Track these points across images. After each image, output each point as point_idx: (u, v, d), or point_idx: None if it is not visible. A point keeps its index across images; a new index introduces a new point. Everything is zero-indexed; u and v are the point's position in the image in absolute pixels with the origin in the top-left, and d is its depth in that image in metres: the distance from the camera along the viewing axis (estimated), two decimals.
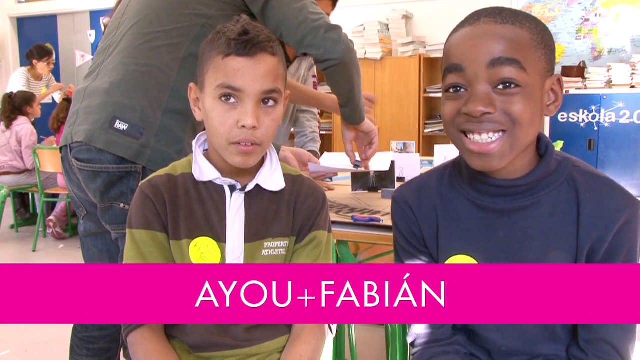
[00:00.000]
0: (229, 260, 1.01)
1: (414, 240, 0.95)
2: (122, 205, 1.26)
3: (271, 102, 0.97)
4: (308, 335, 1.00)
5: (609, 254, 0.84)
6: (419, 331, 0.96)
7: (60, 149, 1.32)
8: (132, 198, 1.23)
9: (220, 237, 1.01)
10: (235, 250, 1.01)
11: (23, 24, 7.32)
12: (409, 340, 0.98)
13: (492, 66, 0.78)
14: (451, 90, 0.83)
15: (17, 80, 5.23)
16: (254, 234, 1.02)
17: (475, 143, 0.80)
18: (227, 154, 0.97)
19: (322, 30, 1.34)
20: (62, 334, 2.60)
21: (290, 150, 1.61)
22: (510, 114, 0.78)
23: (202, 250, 1.00)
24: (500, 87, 0.78)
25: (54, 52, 5.59)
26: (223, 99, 0.95)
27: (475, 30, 0.81)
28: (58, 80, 6.29)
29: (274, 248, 1.03)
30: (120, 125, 1.23)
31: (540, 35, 0.81)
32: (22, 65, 7.25)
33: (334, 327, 1.08)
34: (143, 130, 1.24)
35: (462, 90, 0.81)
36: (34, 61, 5.29)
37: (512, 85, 0.78)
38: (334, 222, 1.42)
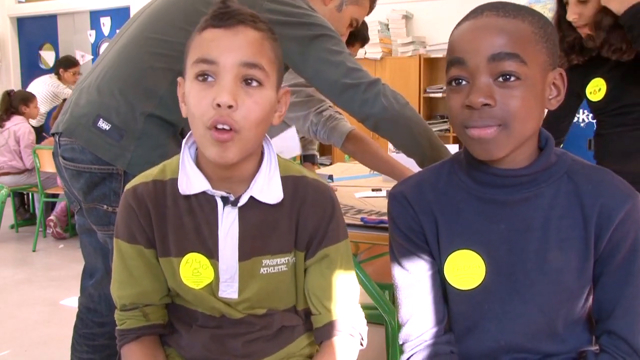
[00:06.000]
0: (222, 280, 0.94)
1: (413, 235, 0.94)
2: (105, 207, 1.25)
3: (254, 83, 0.85)
4: (333, 346, 0.97)
5: (614, 243, 0.85)
6: (410, 331, 0.95)
7: (53, 135, 1.32)
8: (115, 200, 1.23)
9: (212, 253, 0.93)
10: (228, 270, 0.93)
11: (23, 24, 7.31)
12: (400, 341, 0.98)
13: (492, 60, 0.80)
14: (454, 83, 0.84)
15: (45, 81, 5.22)
16: (249, 251, 0.93)
17: (475, 130, 0.82)
18: (204, 145, 0.86)
19: (360, 90, 1.33)
20: (62, 334, 2.60)
21: None
22: (508, 108, 0.80)
23: (194, 267, 0.94)
24: (501, 79, 0.80)
25: (79, 64, 5.62)
26: (200, 78, 0.85)
27: (477, 24, 0.83)
28: None
29: (274, 266, 0.95)
30: (103, 125, 1.22)
31: (542, 29, 0.82)
32: (22, 65, 7.28)
33: (365, 340, 1.03)
34: (124, 133, 1.22)
35: (464, 82, 0.83)
36: (61, 70, 5.31)
37: (513, 78, 0.80)
38: None
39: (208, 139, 0.84)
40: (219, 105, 0.82)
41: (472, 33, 0.82)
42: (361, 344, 1.02)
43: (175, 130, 1.28)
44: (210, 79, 0.84)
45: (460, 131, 0.86)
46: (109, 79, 1.26)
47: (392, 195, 0.97)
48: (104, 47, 6.77)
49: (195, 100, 0.85)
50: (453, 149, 2.16)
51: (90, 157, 1.23)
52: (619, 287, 0.86)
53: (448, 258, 0.91)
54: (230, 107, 0.82)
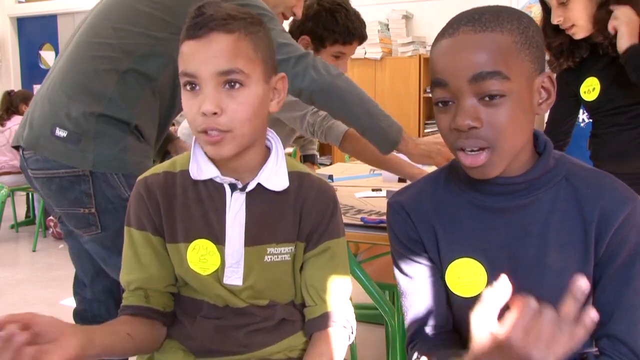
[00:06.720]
0: (228, 265, 0.97)
1: (412, 244, 0.94)
2: (81, 210, 1.26)
3: (237, 85, 0.89)
4: (329, 337, 0.99)
5: (614, 246, 0.84)
6: (415, 335, 0.95)
7: (16, 148, 1.33)
8: (88, 201, 1.25)
9: (219, 239, 0.97)
10: (234, 254, 0.97)
11: (23, 24, 7.32)
12: (406, 345, 0.97)
13: (474, 81, 0.78)
14: (440, 105, 0.84)
15: None
16: (255, 237, 0.97)
17: (467, 157, 0.82)
18: (201, 144, 0.93)
19: (290, 64, 1.33)
20: None
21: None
22: (496, 128, 0.79)
23: (201, 253, 0.97)
24: (486, 98, 0.79)
25: None
26: (188, 87, 0.90)
27: (454, 42, 0.80)
28: None
29: (278, 254, 0.99)
30: (60, 133, 1.23)
31: (523, 34, 0.80)
32: (22, 65, 7.29)
33: (354, 334, 1.04)
34: (80, 136, 1.24)
35: (450, 103, 0.82)
36: None
37: (497, 96, 0.78)
38: None
39: (202, 140, 0.91)
40: (204, 114, 0.87)
41: (450, 53, 0.80)
42: (349, 337, 1.03)
43: (129, 127, 1.29)
44: (196, 87, 0.90)
45: (454, 152, 0.86)
46: (58, 88, 1.28)
47: (390, 206, 0.98)
48: None
49: (186, 108, 0.92)
50: None
51: (55, 163, 1.25)
52: (619, 291, 0.85)
53: (449, 267, 0.91)
54: (215, 113, 0.87)
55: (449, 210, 0.92)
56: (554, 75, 0.84)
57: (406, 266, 0.96)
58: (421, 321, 0.95)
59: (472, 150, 0.81)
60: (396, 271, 0.98)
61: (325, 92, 1.35)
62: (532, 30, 0.81)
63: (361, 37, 1.92)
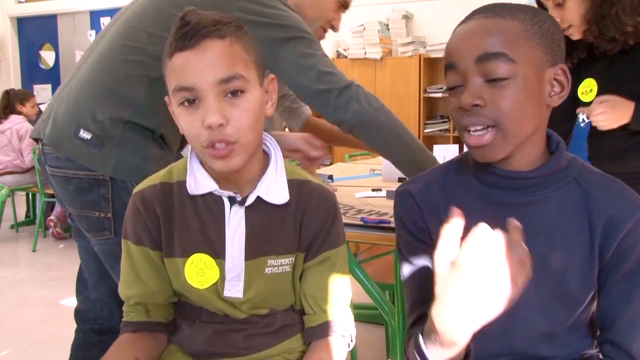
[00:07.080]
0: (228, 279, 0.95)
1: (419, 233, 0.94)
2: (97, 214, 1.25)
3: (238, 92, 0.86)
4: (328, 345, 0.98)
5: (621, 253, 0.84)
6: (415, 324, 0.95)
7: (36, 140, 1.32)
8: (106, 206, 1.24)
9: (218, 253, 0.95)
10: (235, 268, 0.95)
11: (23, 24, 7.32)
12: (406, 334, 0.97)
13: (479, 61, 0.80)
14: (451, 90, 0.85)
15: None
16: (255, 250, 0.95)
17: (472, 137, 0.83)
18: (207, 160, 0.88)
19: (332, 96, 1.32)
20: (62, 334, 2.59)
21: (301, 138, 1.60)
22: (499, 108, 0.80)
23: (199, 267, 0.95)
24: (491, 79, 0.81)
25: None
26: (185, 104, 0.85)
27: (465, 28, 0.84)
28: (57, 79, 6.29)
29: (278, 266, 0.96)
30: (84, 135, 1.22)
31: (536, 26, 0.82)
32: (22, 65, 7.30)
33: (354, 342, 1.04)
34: (105, 141, 1.23)
35: (459, 85, 0.84)
36: None
37: (501, 77, 0.80)
38: None
39: (208, 155, 0.87)
40: (210, 127, 0.83)
41: (460, 37, 0.83)
42: (348, 345, 1.03)
43: (154, 135, 1.28)
44: (194, 101, 0.85)
45: (461, 134, 0.86)
46: (86, 88, 1.26)
47: (398, 194, 0.97)
48: None
49: (186, 124, 0.87)
50: (453, 149, 2.17)
51: (77, 164, 1.24)
52: (624, 297, 0.85)
53: None
54: (221, 125, 0.83)
55: (457, 201, 0.91)
56: (567, 69, 0.85)
57: (411, 254, 0.95)
58: (423, 309, 0.94)
59: (476, 131, 0.82)
60: (401, 259, 0.98)
61: (366, 126, 1.36)
62: (548, 24, 0.83)
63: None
